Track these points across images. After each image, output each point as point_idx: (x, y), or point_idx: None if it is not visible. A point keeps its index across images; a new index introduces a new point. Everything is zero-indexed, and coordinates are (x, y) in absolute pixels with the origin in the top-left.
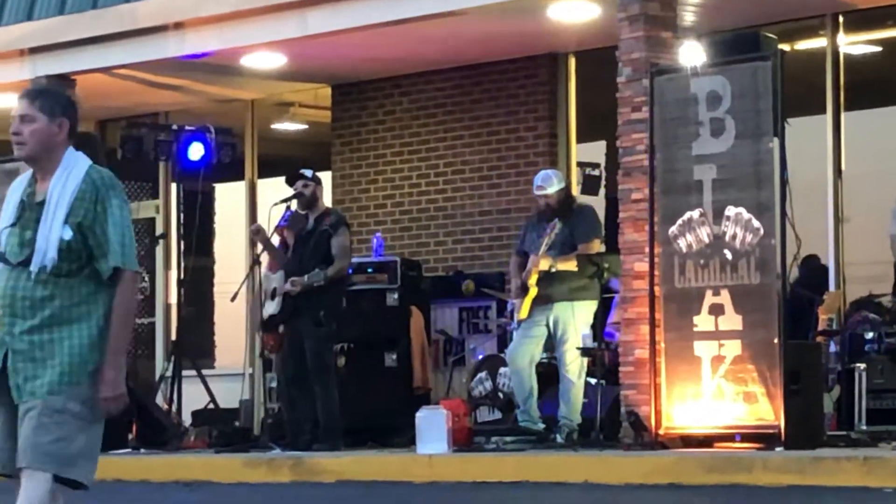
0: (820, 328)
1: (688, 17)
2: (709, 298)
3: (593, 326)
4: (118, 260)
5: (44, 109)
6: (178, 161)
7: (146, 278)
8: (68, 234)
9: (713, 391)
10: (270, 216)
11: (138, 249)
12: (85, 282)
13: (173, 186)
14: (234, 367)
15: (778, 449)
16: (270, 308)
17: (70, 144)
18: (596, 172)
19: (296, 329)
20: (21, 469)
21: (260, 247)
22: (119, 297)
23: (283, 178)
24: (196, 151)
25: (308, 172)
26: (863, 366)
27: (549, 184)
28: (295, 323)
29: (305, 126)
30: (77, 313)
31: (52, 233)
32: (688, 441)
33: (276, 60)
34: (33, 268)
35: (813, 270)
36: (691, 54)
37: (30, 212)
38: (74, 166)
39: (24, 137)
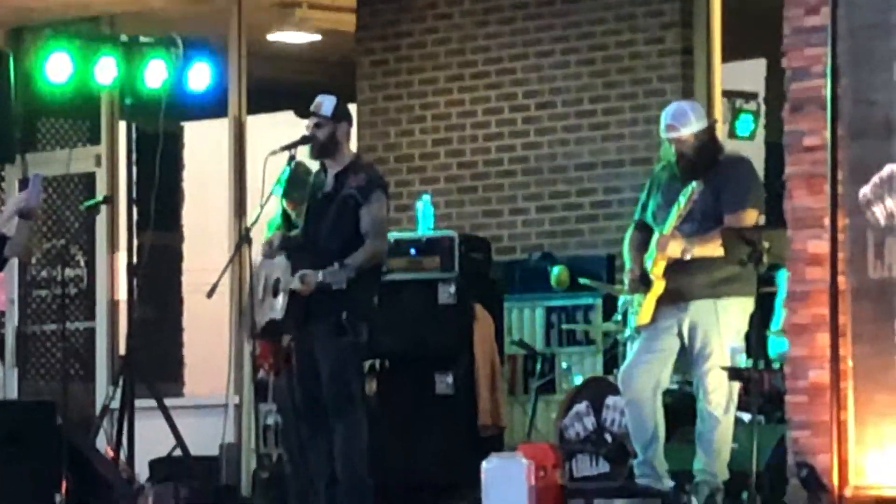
0: None
1: None
2: None
3: (747, 336)
4: None
5: None
6: (130, 89)
7: (82, 263)
8: None
9: None
10: (266, 170)
11: (72, 219)
12: None
13: (122, 126)
14: (212, 396)
15: None
16: (271, 309)
17: None
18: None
19: (307, 339)
20: None
21: (253, 215)
22: None
23: (286, 114)
24: (156, 74)
25: (327, 103)
26: None
27: (683, 122)
28: (307, 331)
29: (317, 37)
30: None
31: None
32: None
33: None
34: None
35: None
36: None
37: None
38: None
39: None
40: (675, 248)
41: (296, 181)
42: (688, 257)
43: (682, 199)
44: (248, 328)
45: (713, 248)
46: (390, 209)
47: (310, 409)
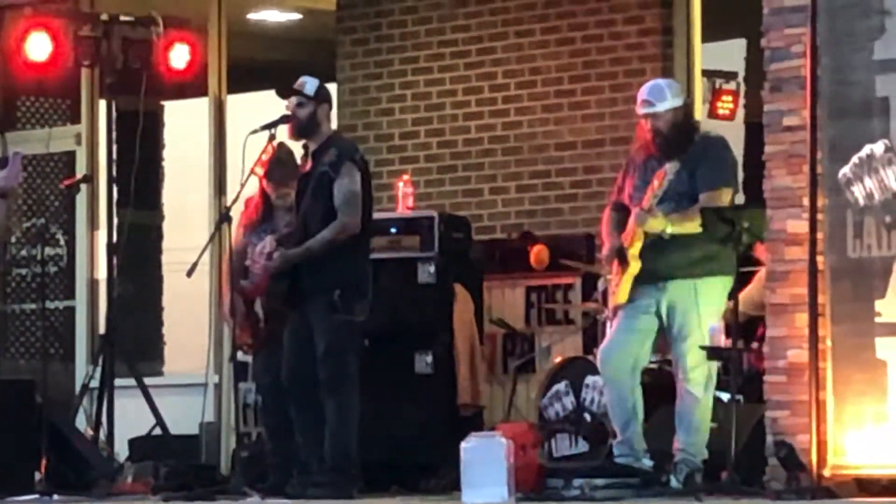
0: None
1: None
2: None
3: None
4: None
5: None
6: (110, 68)
7: (62, 242)
8: None
9: None
10: (245, 149)
11: (52, 198)
12: None
13: (102, 105)
14: (191, 375)
15: None
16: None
17: None
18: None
19: (302, 319)
20: None
21: (234, 192)
22: None
23: (266, 93)
24: (136, 53)
25: (310, 84)
26: None
27: (659, 98)
28: (303, 310)
29: (297, 16)
30: None
31: None
32: (866, 486)
33: None
34: None
35: None
36: None
37: None
38: None
39: None
40: (654, 224)
41: (276, 162)
42: (667, 235)
43: (656, 181)
44: (229, 307)
45: (692, 227)
46: (371, 184)
47: (298, 389)
